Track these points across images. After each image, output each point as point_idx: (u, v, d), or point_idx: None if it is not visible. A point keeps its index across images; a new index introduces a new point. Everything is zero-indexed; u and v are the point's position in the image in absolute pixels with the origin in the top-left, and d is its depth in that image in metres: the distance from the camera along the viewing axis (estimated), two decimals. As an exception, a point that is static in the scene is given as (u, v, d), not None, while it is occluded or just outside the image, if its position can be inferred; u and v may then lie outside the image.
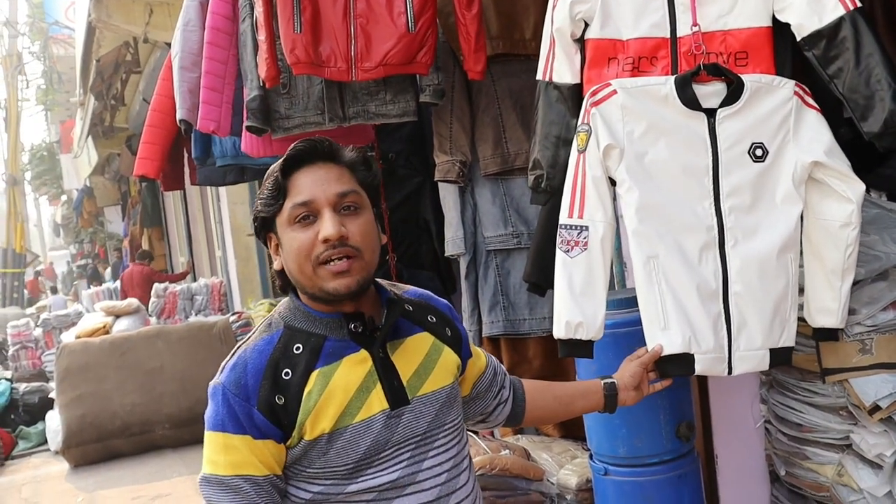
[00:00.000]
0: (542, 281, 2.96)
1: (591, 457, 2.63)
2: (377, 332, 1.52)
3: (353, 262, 1.47)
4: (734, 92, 2.10)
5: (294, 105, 3.07)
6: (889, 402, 2.33)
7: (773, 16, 2.20)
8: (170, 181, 5.30)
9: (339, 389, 1.46)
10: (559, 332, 2.12)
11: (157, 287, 9.48)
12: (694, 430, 2.49)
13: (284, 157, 1.50)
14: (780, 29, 2.18)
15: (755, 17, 2.20)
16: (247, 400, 1.43)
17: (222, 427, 1.43)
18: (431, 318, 1.64)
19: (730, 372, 2.13)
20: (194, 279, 11.30)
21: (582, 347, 2.12)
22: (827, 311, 2.19)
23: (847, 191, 2.09)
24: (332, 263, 1.45)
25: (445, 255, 3.59)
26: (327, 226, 1.45)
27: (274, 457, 1.45)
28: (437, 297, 1.73)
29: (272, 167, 1.52)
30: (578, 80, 2.29)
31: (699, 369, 2.10)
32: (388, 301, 1.56)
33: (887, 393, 2.32)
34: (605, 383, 1.92)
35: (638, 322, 2.38)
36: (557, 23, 2.31)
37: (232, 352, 1.52)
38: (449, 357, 1.62)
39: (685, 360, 2.08)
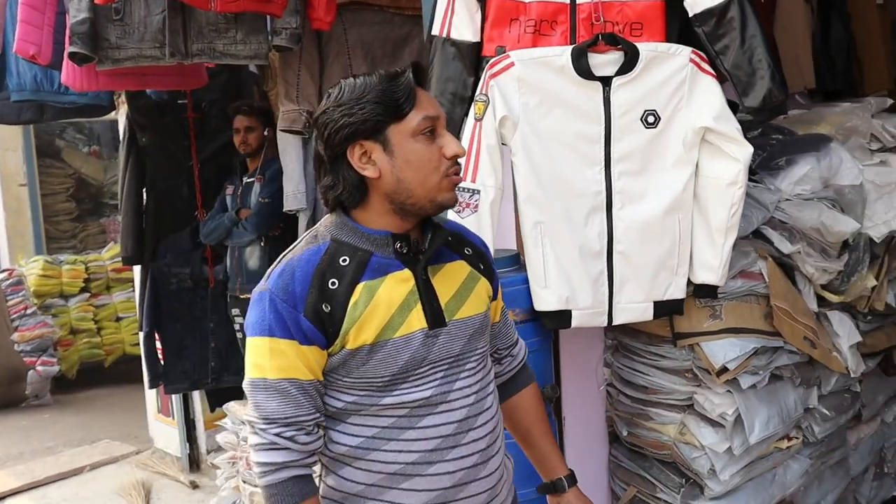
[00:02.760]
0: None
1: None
2: (421, 255, 1.56)
3: None
4: (630, 61, 2.21)
5: (127, 34, 2.75)
6: (736, 365, 2.47)
7: None
8: (-52, 114, 4.60)
9: (382, 303, 1.50)
10: None
11: None
12: (557, 392, 2.51)
13: (412, 67, 1.51)
14: (672, 4, 2.30)
15: None
16: (294, 306, 1.47)
17: (269, 332, 1.47)
18: (468, 251, 1.68)
19: (610, 322, 2.32)
20: (-51, 231, 10.13)
21: None
22: (708, 267, 2.34)
23: (736, 151, 2.24)
24: (454, 177, 1.54)
25: (284, 209, 3.39)
26: (455, 144, 1.53)
27: (318, 363, 1.50)
28: (470, 231, 1.78)
29: (392, 74, 1.49)
30: (479, 39, 2.32)
31: (575, 324, 2.32)
32: (434, 226, 1.60)
33: (734, 356, 2.47)
34: (563, 476, 1.81)
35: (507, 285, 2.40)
36: None
37: (277, 260, 1.55)
38: (483, 287, 1.66)
39: (563, 315, 2.30)
